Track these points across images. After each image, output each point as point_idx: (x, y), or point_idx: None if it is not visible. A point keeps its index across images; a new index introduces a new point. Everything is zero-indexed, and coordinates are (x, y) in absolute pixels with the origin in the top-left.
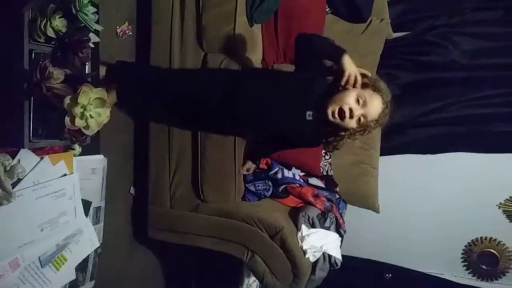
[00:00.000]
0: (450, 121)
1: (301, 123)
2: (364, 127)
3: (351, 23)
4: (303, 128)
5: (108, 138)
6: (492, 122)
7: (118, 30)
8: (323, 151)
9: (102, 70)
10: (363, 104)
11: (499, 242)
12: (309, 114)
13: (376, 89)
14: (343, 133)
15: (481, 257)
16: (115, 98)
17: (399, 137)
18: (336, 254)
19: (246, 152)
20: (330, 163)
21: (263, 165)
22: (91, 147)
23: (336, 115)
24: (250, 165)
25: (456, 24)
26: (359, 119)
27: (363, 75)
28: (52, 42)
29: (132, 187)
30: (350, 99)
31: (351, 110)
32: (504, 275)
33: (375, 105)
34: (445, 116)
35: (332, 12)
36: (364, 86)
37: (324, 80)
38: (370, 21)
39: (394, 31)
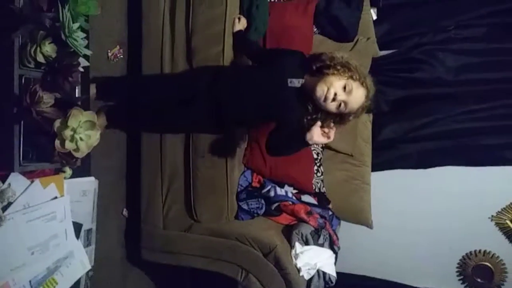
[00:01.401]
0: (439, 135)
1: (284, 90)
2: (340, 114)
3: (338, 42)
4: (286, 96)
5: (100, 159)
6: (479, 135)
7: (110, 54)
8: (315, 167)
9: (93, 91)
10: (348, 92)
11: (493, 255)
12: (290, 81)
13: (363, 84)
14: (318, 116)
15: (476, 271)
16: (106, 120)
17: (390, 152)
18: (331, 271)
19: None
20: (322, 180)
21: (255, 183)
22: (82, 169)
23: (322, 94)
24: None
25: (440, 42)
26: (340, 104)
27: (348, 68)
28: (42, 67)
29: (125, 209)
30: (338, 84)
31: (335, 94)
32: None
33: (359, 97)
34: (433, 131)
35: (319, 32)
36: (353, 78)
37: (299, 54)
38: (357, 40)
39: (380, 49)
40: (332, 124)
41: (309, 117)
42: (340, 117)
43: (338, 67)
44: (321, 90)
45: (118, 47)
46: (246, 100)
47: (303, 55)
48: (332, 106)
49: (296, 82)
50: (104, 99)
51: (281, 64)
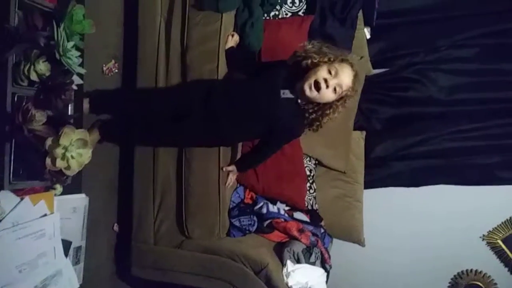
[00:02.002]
0: (431, 154)
1: (278, 103)
2: (342, 96)
3: None
4: (281, 108)
5: (91, 174)
6: (471, 155)
7: (104, 68)
8: (308, 184)
9: (86, 106)
10: (335, 74)
11: (484, 274)
12: (283, 92)
13: (343, 60)
14: (328, 112)
15: None
16: (98, 135)
17: (382, 170)
18: None
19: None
20: (314, 197)
21: (248, 200)
22: (72, 185)
23: (313, 88)
24: (233, 168)
25: (432, 61)
26: (335, 89)
27: (323, 52)
28: (35, 85)
29: (116, 224)
30: (322, 72)
31: (325, 80)
32: None
33: (347, 73)
34: (425, 150)
35: None
36: (331, 60)
37: (284, 62)
38: None
39: (373, 68)
40: (340, 108)
41: (313, 115)
42: (343, 100)
43: (314, 56)
44: (308, 86)
45: (113, 61)
46: (240, 114)
47: (286, 62)
48: (328, 94)
49: (288, 93)
50: (97, 114)
51: (272, 76)
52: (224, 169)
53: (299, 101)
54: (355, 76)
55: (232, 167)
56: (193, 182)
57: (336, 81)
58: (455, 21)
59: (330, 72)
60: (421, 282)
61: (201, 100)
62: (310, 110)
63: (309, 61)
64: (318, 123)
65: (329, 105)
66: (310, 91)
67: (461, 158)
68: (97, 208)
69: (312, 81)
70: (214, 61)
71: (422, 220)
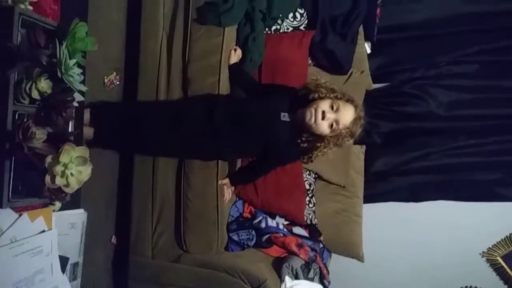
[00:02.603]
0: (430, 170)
1: (276, 124)
2: (336, 134)
3: (333, 74)
4: (279, 130)
5: (90, 186)
6: (470, 171)
7: (106, 80)
8: (307, 198)
9: (87, 117)
10: (336, 109)
11: None
12: (283, 115)
13: (349, 101)
14: (319, 144)
15: None
16: (92, 134)
17: (382, 184)
18: None
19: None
20: (314, 211)
21: (247, 214)
22: (71, 201)
23: (313, 115)
24: (227, 181)
25: (432, 77)
26: (331, 124)
27: (332, 89)
28: (36, 103)
29: (113, 236)
30: (324, 104)
31: (323, 112)
32: None
33: (348, 113)
34: (425, 165)
35: (314, 64)
36: (338, 98)
37: (293, 89)
38: (351, 73)
39: (374, 82)
40: (331, 145)
41: (305, 145)
42: (337, 138)
43: (323, 90)
44: (309, 113)
45: (114, 73)
46: (239, 131)
47: (296, 90)
48: (324, 126)
49: (287, 116)
50: (97, 123)
51: (274, 98)
52: (220, 182)
53: (296, 126)
54: (356, 119)
55: (226, 180)
56: (192, 196)
57: (334, 116)
58: (455, 37)
59: (332, 107)
60: None
61: (203, 115)
62: (303, 139)
63: (316, 95)
64: (309, 154)
65: (321, 138)
66: (309, 118)
67: (460, 174)
68: (94, 220)
69: (313, 110)
70: (216, 75)
71: (421, 236)
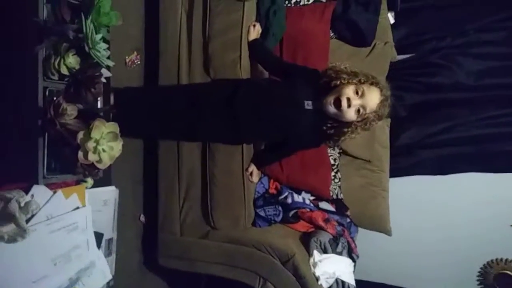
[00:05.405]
0: (458, 141)
1: (300, 112)
2: (364, 119)
3: (355, 47)
4: (303, 118)
5: (119, 166)
6: (500, 141)
7: (127, 60)
8: (332, 174)
9: (111, 99)
10: (361, 95)
11: None
12: (307, 103)
13: (374, 83)
14: (346, 129)
15: (497, 279)
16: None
17: (408, 158)
18: (350, 279)
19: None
20: (340, 186)
21: (272, 190)
22: (103, 178)
23: (333, 104)
24: (253, 168)
25: (459, 45)
26: (358, 110)
27: (354, 73)
28: (65, 79)
29: (142, 215)
30: (348, 91)
31: (348, 99)
32: None
33: (374, 96)
34: (453, 137)
35: (336, 36)
36: (361, 82)
37: (316, 74)
38: (374, 45)
39: (398, 54)
40: (359, 130)
41: (331, 131)
42: (364, 123)
43: (345, 76)
44: (331, 101)
45: (135, 53)
46: (261, 118)
47: (318, 75)
48: (351, 113)
49: (311, 104)
50: (122, 107)
51: (298, 85)
52: (246, 172)
53: (321, 113)
54: (382, 102)
55: (252, 167)
56: (218, 173)
57: (360, 102)
58: (482, 4)
59: (357, 92)
60: (450, 271)
61: (226, 99)
62: (329, 125)
63: (338, 82)
64: (336, 139)
65: (348, 124)
66: (330, 107)
67: (489, 145)
68: (123, 199)
69: (334, 97)
70: (237, 50)
71: (450, 209)
